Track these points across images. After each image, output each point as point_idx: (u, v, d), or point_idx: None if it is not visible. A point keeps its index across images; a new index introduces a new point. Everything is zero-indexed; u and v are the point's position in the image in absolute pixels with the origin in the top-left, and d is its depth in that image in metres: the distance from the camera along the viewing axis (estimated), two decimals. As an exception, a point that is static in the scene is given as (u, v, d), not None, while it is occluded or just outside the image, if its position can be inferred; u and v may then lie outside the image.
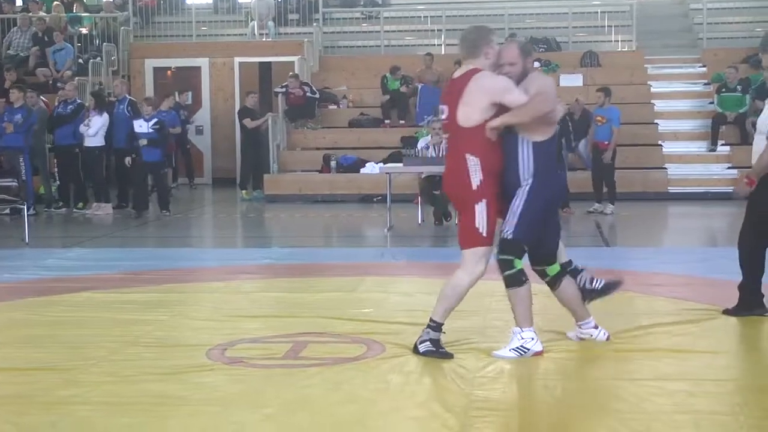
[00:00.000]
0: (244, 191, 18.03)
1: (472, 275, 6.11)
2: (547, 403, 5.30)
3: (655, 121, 18.48)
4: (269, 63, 21.67)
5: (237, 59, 21.23)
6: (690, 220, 14.73)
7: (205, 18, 23.71)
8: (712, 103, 18.04)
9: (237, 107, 19.69)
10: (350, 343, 6.49)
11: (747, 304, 7.11)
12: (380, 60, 20.54)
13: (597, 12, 22.44)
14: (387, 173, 13.85)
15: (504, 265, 6.08)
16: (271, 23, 22.23)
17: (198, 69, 21.29)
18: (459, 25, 21.58)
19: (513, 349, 6.07)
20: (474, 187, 5.95)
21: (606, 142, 14.58)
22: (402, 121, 18.85)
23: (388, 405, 5.19)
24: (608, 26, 22.00)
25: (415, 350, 6.13)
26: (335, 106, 19.75)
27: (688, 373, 5.70)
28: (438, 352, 6.08)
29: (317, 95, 19.11)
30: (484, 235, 6.01)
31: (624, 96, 18.33)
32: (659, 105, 18.93)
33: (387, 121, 18.92)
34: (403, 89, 19.02)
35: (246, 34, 22.49)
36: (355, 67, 20.96)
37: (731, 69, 17.94)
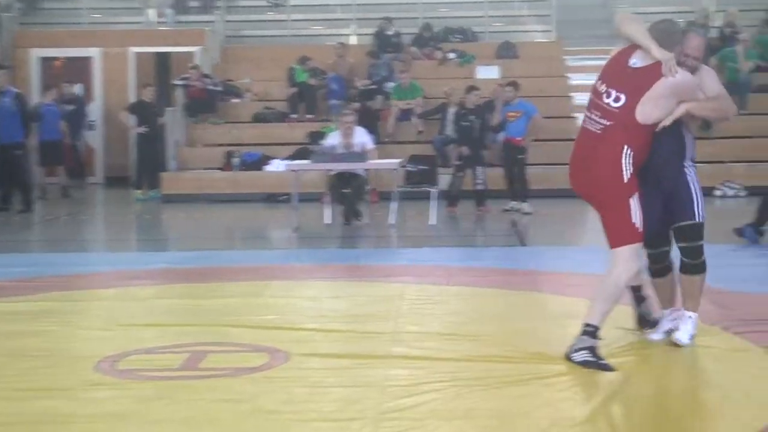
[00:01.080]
0: (139, 191, 17.78)
1: (630, 272, 6.07)
2: (463, 410, 5.29)
3: (574, 114, 18.71)
4: (167, 54, 21.43)
5: (132, 49, 20.94)
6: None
7: (97, 4, 23.29)
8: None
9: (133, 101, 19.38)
10: (252, 352, 6.41)
11: None
12: (287, 50, 20.45)
13: (515, 1, 22.67)
14: (293, 171, 13.79)
15: (701, 252, 6.27)
16: (169, 10, 21.98)
17: (89, 60, 20.94)
18: (370, 14, 21.69)
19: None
20: (626, 180, 5.96)
21: (519, 138, 14.69)
22: (310, 116, 18.77)
23: (293, 417, 5.14)
24: (526, 15, 22.25)
25: (569, 360, 5.91)
26: (238, 100, 19.61)
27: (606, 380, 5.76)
28: (598, 363, 5.83)
29: (219, 88, 18.96)
30: (640, 230, 6.03)
31: (542, 89, 18.56)
32: (579, 98, 19.16)
33: (294, 116, 18.84)
34: (312, 81, 18.96)
35: (142, 22, 22.20)
36: (260, 58, 20.87)
37: (652, 61, 18.18)
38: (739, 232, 10.74)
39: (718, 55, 18.95)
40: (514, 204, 14.69)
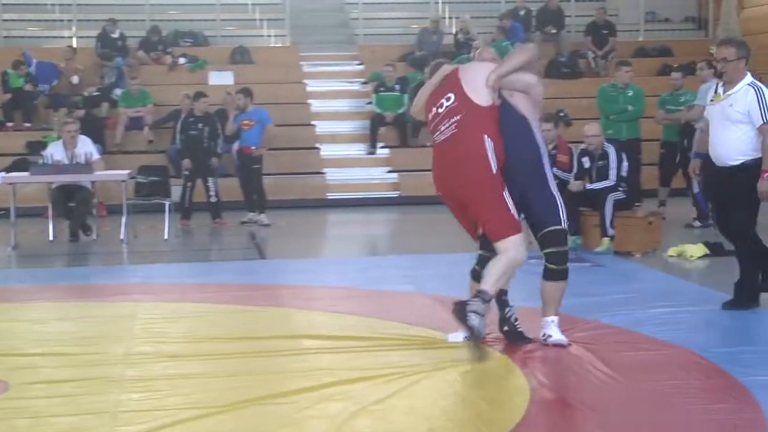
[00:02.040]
0: None
1: (523, 255, 6.58)
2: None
3: (312, 122, 18.94)
4: None
5: None
6: (350, 228, 15.22)
7: None
8: (370, 102, 18.69)
9: None
10: (-34, 383, 6.14)
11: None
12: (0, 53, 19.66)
13: (248, 4, 22.69)
14: (10, 184, 13.27)
15: (567, 257, 6.77)
16: None
17: None
18: (92, 15, 21.16)
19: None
20: (494, 172, 6.53)
21: (254, 148, 14.66)
22: (27, 124, 18.11)
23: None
24: (260, 20, 22.30)
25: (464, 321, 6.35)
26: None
27: (350, 392, 5.86)
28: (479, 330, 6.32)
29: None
30: (518, 219, 6.62)
31: (279, 95, 18.66)
32: (316, 105, 19.43)
33: (10, 124, 18.12)
34: (29, 87, 18.31)
35: None
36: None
37: (389, 67, 18.75)
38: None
39: (455, 61, 19.63)
40: (251, 216, 14.67)
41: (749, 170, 7.77)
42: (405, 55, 20.38)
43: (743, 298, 8.07)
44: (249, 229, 14.19)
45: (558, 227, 6.72)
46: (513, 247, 6.52)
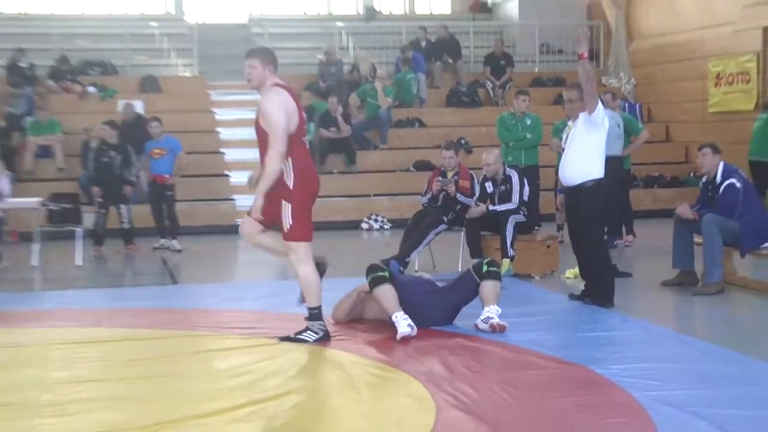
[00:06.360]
0: None
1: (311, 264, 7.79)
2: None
3: (221, 150, 18.90)
4: None
5: None
6: (259, 253, 15.11)
7: None
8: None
9: None
10: None
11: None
12: None
13: (155, 34, 22.59)
14: None
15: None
16: None
17: None
18: (2, 45, 20.82)
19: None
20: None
21: (166, 176, 14.60)
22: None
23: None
24: (168, 49, 22.20)
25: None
26: None
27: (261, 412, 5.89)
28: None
29: None
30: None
31: (188, 124, 18.62)
32: (225, 133, 19.39)
33: None
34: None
35: None
36: None
37: (294, 96, 18.71)
38: (386, 263, 11.22)
39: (358, 91, 19.79)
40: (163, 241, 14.59)
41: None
42: (310, 84, 20.47)
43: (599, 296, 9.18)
44: (161, 254, 14.09)
45: None
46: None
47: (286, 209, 7.53)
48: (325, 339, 7.75)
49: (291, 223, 7.54)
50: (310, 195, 7.69)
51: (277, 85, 7.70)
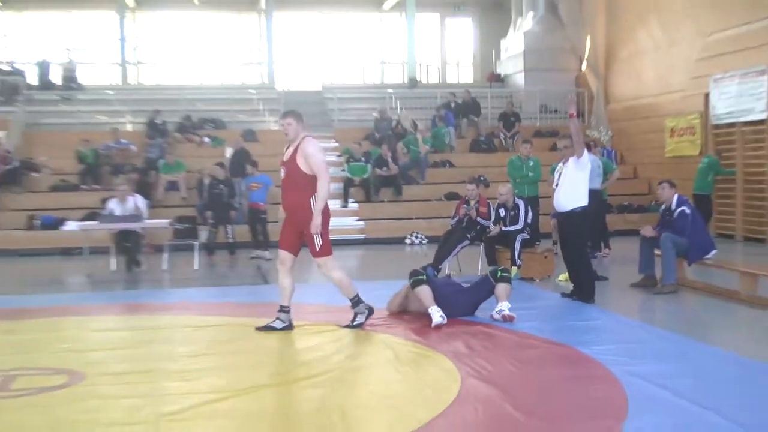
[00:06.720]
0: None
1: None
2: (223, 411, 5.22)
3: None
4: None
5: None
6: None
7: None
8: (343, 170, 18.77)
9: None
10: (54, 375, 6.10)
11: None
12: (76, 135, 19.56)
13: (254, 98, 22.82)
14: (85, 230, 13.20)
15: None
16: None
17: None
18: (144, 107, 21.16)
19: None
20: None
21: (261, 203, 14.83)
22: (97, 186, 18.05)
23: (86, 428, 4.93)
24: (263, 110, 22.40)
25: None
26: (37, 174, 18.55)
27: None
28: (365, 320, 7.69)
29: (17, 164, 17.90)
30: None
31: (277, 164, 18.55)
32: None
33: (84, 186, 18.05)
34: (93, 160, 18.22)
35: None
36: (54, 141, 19.82)
37: (356, 144, 18.89)
38: (424, 269, 11.16)
39: (404, 140, 19.81)
40: (258, 252, 14.68)
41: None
42: (367, 135, 20.53)
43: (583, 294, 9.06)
44: (256, 262, 14.17)
45: None
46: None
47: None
48: (371, 314, 7.77)
49: (321, 243, 7.47)
50: (329, 219, 7.58)
51: (308, 135, 7.64)
